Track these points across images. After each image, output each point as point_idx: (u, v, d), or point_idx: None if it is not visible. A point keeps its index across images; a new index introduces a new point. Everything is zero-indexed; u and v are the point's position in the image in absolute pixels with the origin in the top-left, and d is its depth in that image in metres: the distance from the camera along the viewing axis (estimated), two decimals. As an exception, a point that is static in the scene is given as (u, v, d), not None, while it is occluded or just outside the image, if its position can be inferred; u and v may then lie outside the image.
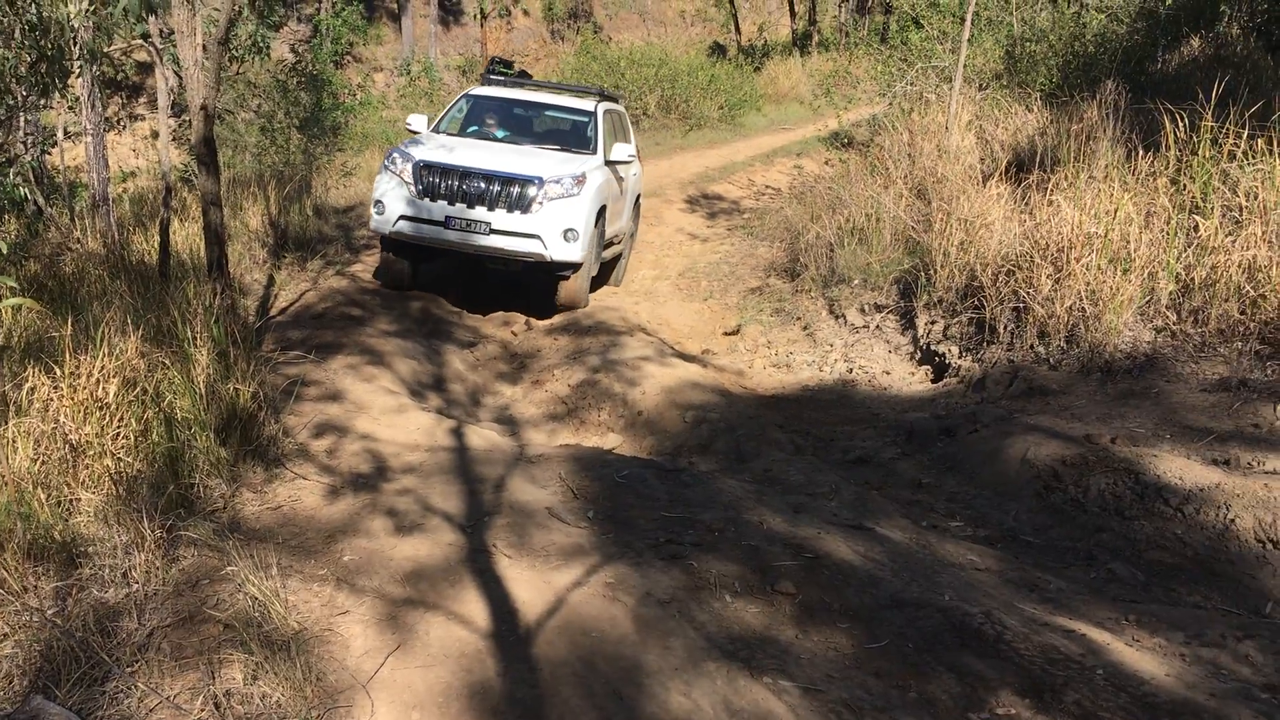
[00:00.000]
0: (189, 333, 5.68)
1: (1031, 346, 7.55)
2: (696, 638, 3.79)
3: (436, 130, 10.88)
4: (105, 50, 9.67)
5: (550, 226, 9.19)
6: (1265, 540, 4.83)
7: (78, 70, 8.59)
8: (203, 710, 3.28)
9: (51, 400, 4.68)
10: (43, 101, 9.25)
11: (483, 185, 9.22)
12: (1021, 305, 7.77)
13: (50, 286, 7.19)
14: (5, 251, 4.21)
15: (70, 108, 11.04)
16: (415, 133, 10.48)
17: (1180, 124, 8.03)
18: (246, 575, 3.88)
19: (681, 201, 15.89)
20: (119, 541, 4.08)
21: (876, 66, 16.36)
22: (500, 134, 10.97)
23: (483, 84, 12.06)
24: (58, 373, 4.78)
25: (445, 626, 3.85)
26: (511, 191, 9.22)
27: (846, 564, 4.47)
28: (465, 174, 9.26)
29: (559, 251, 9.28)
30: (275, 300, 9.56)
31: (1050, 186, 8.48)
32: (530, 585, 4.17)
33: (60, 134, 11.45)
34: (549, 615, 3.93)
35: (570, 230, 9.25)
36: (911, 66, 14.64)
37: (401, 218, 9.32)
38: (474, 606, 4.00)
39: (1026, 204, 8.74)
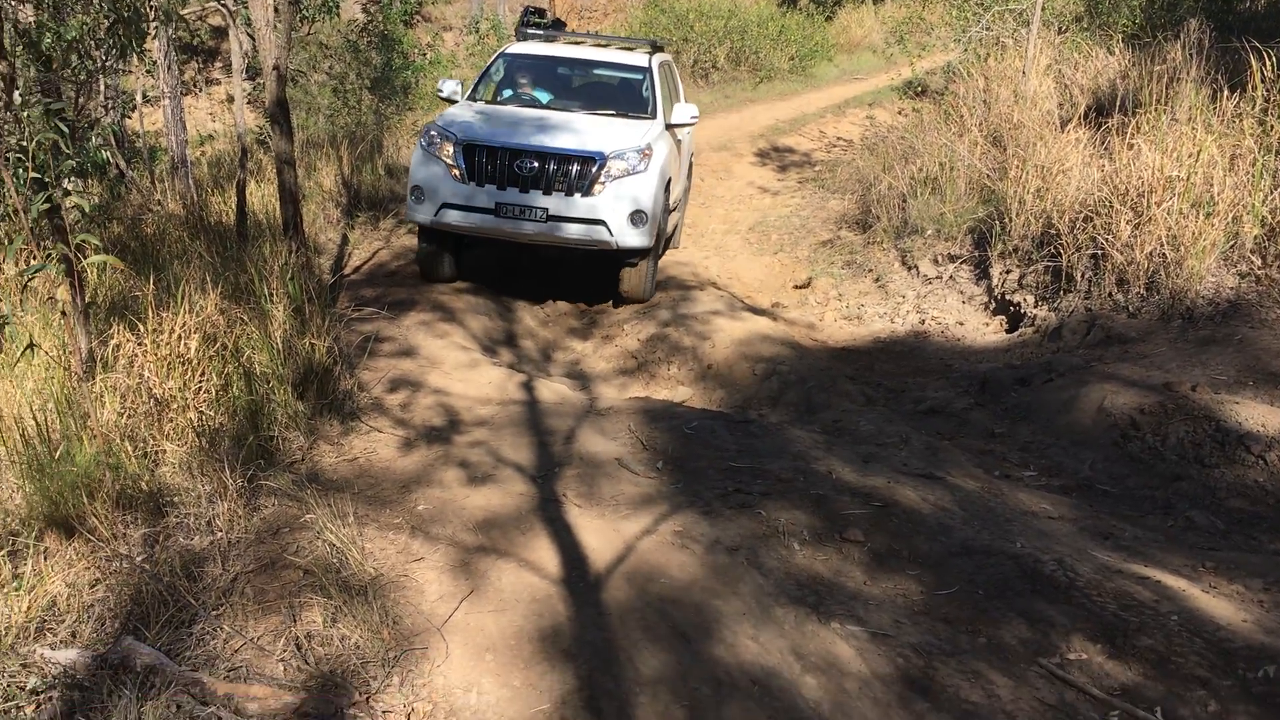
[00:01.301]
0: (266, 290, 5.79)
1: (1110, 294, 7.40)
2: (765, 584, 3.81)
3: (474, 97, 9.62)
4: (180, 12, 9.81)
5: (615, 210, 8.06)
6: (1351, 488, 4.71)
7: (153, 32, 8.74)
8: (285, 651, 3.39)
9: (136, 356, 4.82)
10: (121, 65, 9.45)
11: (536, 165, 8.03)
12: (1100, 252, 7.61)
13: (132, 247, 7.38)
14: (89, 211, 4.32)
15: (148, 72, 11.26)
16: (450, 101, 9.31)
17: (1268, 62, 7.76)
18: (325, 523, 3.99)
19: (751, 155, 15.76)
20: (203, 491, 4.21)
21: (951, 12, 15.99)
22: (544, 97, 9.76)
23: (519, 39, 10.69)
24: (141, 330, 4.91)
25: (516, 573, 3.92)
26: (569, 171, 8.04)
27: (916, 512, 4.45)
28: (516, 153, 8.05)
29: (626, 237, 8.12)
30: (349, 258, 9.71)
31: (1131, 130, 8.26)
32: (599, 533, 4.23)
33: (139, 98, 11.69)
34: (618, 562, 3.98)
35: (638, 213, 8.09)
36: (987, 10, 14.28)
37: (444, 205, 8.15)
38: (544, 554, 4.07)
39: (1106, 149, 8.53)
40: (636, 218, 8.10)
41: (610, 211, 8.05)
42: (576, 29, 21.58)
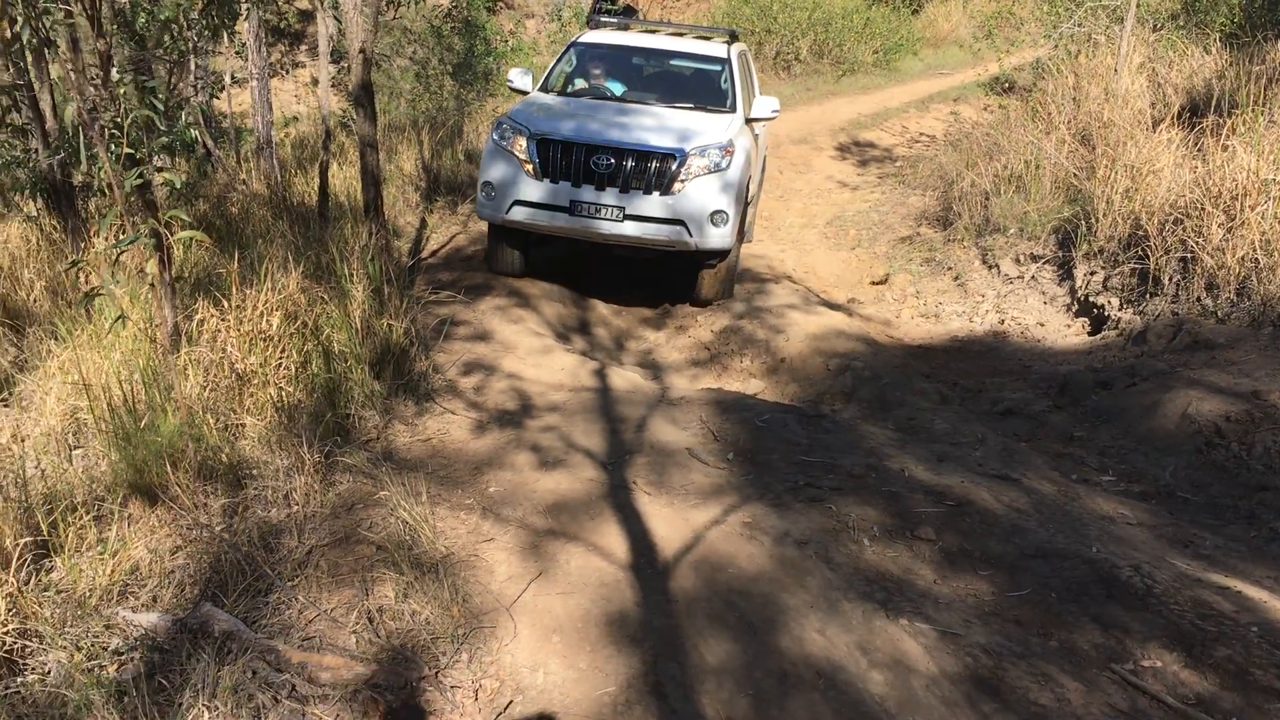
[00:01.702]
0: (346, 270, 5.88)
1: (1198, 299, 7.21)
2: (833, 578, 3.79)
3: (545, 89, 9.22)
4: (271, -4, 9.99)
5: (695, 209, 7.68)
6: None
7: (245, 13, 8.91)
8: (357, 623, 3.45)
9: (219, 331, 4.93)
10: (212, 46, 9.64)
11: (613, 161, 7.62)
12: (1189, 256, 7.42)
13: (217, 225, 7.55)
14: (178, 187, 4.42)
15: (237, 53, 11.47)
16: (521, 92, 8.96)
17: (1373, 63, 7.50)
18: (398, 501, 4.04)
19: (832, 149, 15.62)
20: (281, 465, 4.30)
21: (1042, 7, 15.68)
22: (617, 88, 9.38)
23: (590, 27, 10.37)
24: (225, 305, 5.02)
25: (585, 557, 3.94)
26: (648, 168, 7.63)
27: (990, 512, 4.39)
28: (592, 149, 7.67)
29: (705, 238, 7.74)
30: (427, 242, 9.81)
31: (1226, 131, 8.03)
32: (668, 521, 4.23)
33: (228, 79, 11.92)
34: (686, 550, 3.98)
35: (719, 213, 7.70)
36: (1080, 6, 13.98)
37: (516, 203, 7.79)
38: (613, 539, 4.08)
39: (1199, 150, 8.31)
40: (718, 218, 7.72)
41: (690, 211, 7.67)
42: (658, 18, 21.55)
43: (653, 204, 7.67)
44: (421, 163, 11.85)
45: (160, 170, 4.54)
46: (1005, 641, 3.46)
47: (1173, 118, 9.11)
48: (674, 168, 7.66)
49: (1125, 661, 3.34)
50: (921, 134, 16.42)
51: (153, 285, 4.69)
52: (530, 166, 7.74)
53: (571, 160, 7.68)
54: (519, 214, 7.80)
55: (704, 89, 9.30)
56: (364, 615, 3.51)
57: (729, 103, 9.02)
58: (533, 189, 7.75)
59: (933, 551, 4.09)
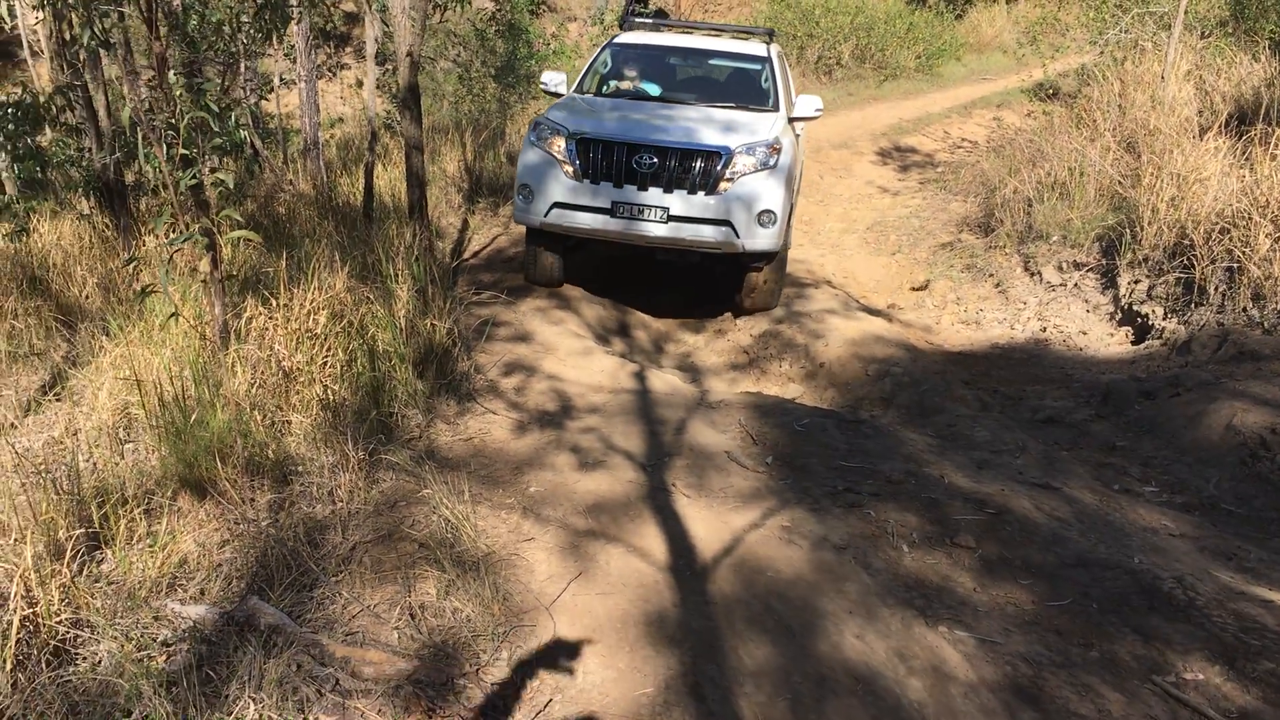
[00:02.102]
0: (391, 270, 5.96)
1: (1244, 309, 7.14)
2: (872, 583, 3.79)
3: (580, 90, 9.02)
4: (320, -1, 10.11)
5: (742, 209, 7.40)
6: None
7: (298, 17, 9.04)
8: (399, 620, 3.50)
9: (267, 329, 5.01)
10: (261, 49, 9.77)
11: (655, 160, 7.37)
12: (1235, 266, 7.34)
13: (265, 224, 7.65)
14: (231, 187, 4.50)
15: (286, 55, 11.61)
16: (555, 95, 8.76)
17: None
18: (441, 499, 4.09)
19: (873, 154, 15.57)
20: (326, 462, 4.36)
21: (1089, 13, 15.53)
22: (654, 89, 9.14)
23: (625, 29, 10.16)
24: (273, 304, 5.10)
25: (624, 558, 3.97)
26: (692, 168, 7.38)
27: (1030, 521, 4.37)
28: (634, 148, 7.42)
29: (753, 239, 7.46)
30: (469, 243, 9.90)
31: (1275, 140, 7.94)
32: (707, 524, 4.25)
33: (276, 81, 12.06)
34: (725, 553, 4.00)
35: (767, 213, 7.41)
36: (1127, 12, 13.85)
37: (555, 205, 7.54)
38: (652, 541, 4.11)
39: (1247, 159, 8.22)
40: (765, 218, 7.43)
41: (737, 211, 7.39)
42: (699, 19, 21.55)
43: (698, 204, 7.41)
44: (464, 164, 11.95)
45: (213, 171, 4.62)
46: (1045, 651, 3.45)
47: (1220, 126, 9.02)
48: (719, 166, 7.40)
49: (1167, 673, 3.33)
50: (964, 140, 16.33)
51: (204, 283, 4.77)
52: (569, 168, 7.49)
53: (612, 160, 7.43)
54: (557, 217, 7.56)
55: (744, 88, 9.09)
56: (406, 611, 3.56)
57: (770, 101, 8.83)
58: (572, 190, 7.50)
59: (972, 559, 4.08)
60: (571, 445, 5.12)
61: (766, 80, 9.08)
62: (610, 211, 7.43)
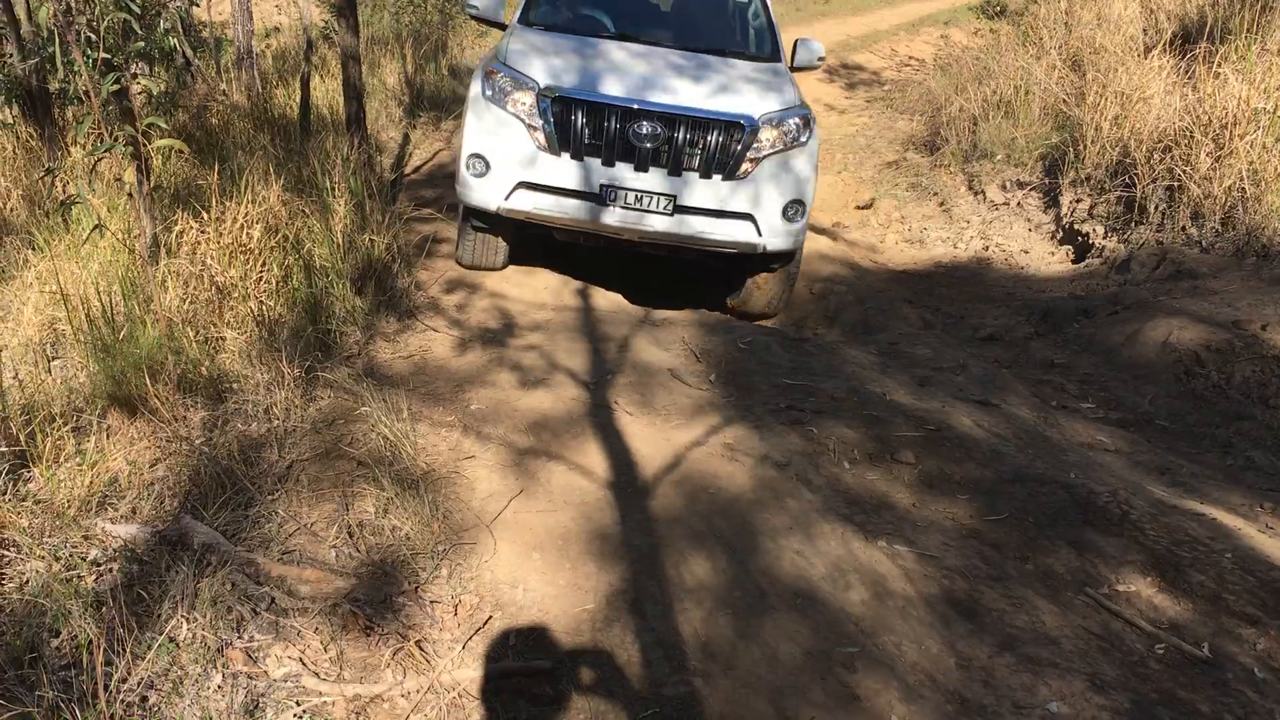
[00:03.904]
0: (328, 184, 5.81)
1: (1183, 228, 7.20)
2: (813, 500, 3.81)
3: (527, 21, 6.89)
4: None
5: (768, 199, 5.85)
6: None
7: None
8: (337, 538, 3.45)
9: (199, 243, 4.87)
10: (191, -48, 9.39)
11: (661, 132, 5.66)
12: (1176, 184, 7.39)
13: (197, 136, 7.41)
14: (156, 95, 4.33)
15: (217, -40, 11.18)
16: (492, 23, 6.89)
17: (1369, -8, 7.42)
18: (380, 417, 4.03)
19: (819, 71, 15.42)
20: (261, 379, 4.27)
21: (1036, -71, 15.41)
22: (611, 24, 7.09)
23: None
24: (205, 217, 4.95)
25: (566, 475, 3.95)
26: (708, 142, 5.72)
27: (970, 437, 4.41)
28: (632, 113, 5.67)
29: (776, 238, 5.95)
30: (410, 158, 9.69)
31: (1218, 59, 7.95)
32: (650, 441, 4.24)
33: (207, -12, 11.63)
34: (667, 470, 3.99)
35: (796, 204, 5.96)
36: (1074, -71, 13.75)
37: (521, 186, 5.78)
38: (594, 458, 4.09)
39: (1190, 78, 8.23)
40: (793, 210, 5.97)
41: (762, 202, 5.87)
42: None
43: (713, 192, 5.80)
44: (405, 77, 11.66)
45: (137, 77, 4.44)
46: (982, 564, 3.49)
47: (1165, 44, 9.03)
48: (741, 142, 5.77)
49: (1100, 586, 3.38)
50: (911, 58, 16.24)
51: (130, 195, 4.60)
52: (542, 135, 5.73)
53: (603, 128, 5.69)
54: (524, 201, 5.82)
55: (729, 28, 7.41)
56: (344, 530, 3.51)
57: (768, 47, 7.14)
58: (547, 168, 5.75)
59: (912, 475, 4.11)
60: (514, 363, 5.07)
61: (757, 16, 7.42)
62: (598, 198, 5.75)
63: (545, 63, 5.93)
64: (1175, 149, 7.49)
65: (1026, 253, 8.30)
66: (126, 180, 4.47)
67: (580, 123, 5.69)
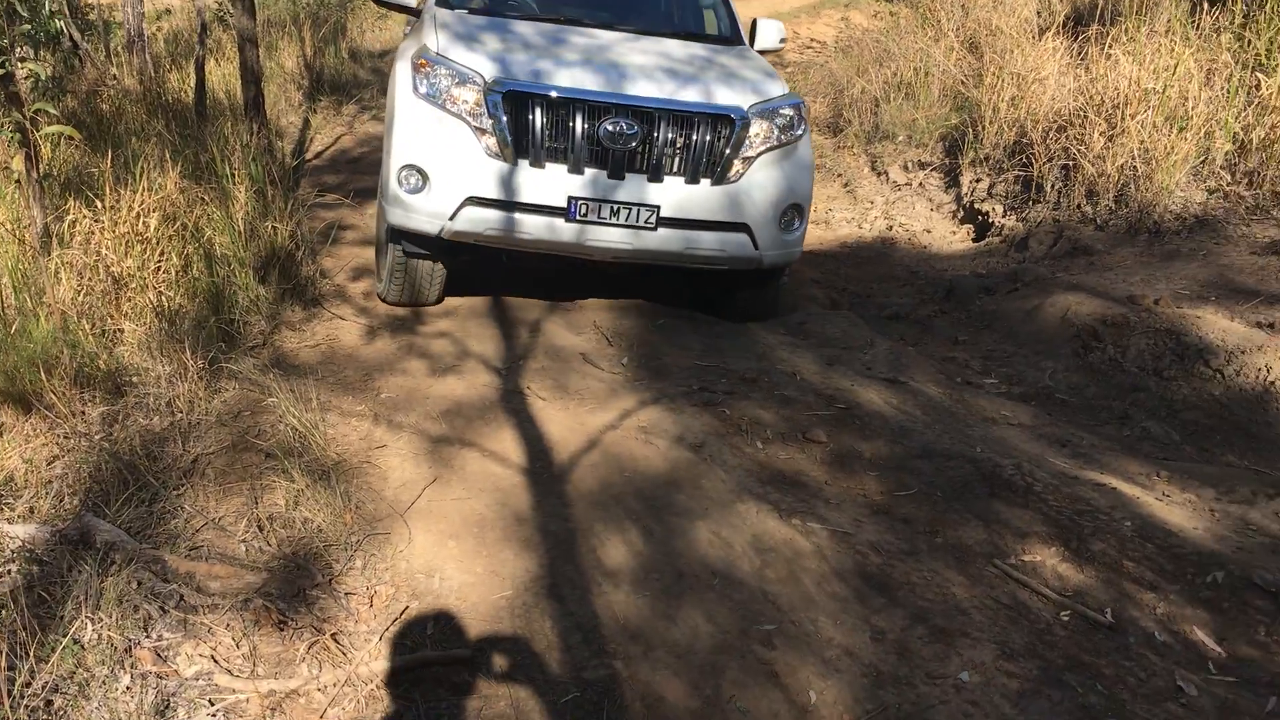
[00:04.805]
0: (228, 170, 5.66)
1: (1078, 206, 7.40)
2: (727, 480, 3.84)
3: (448, 4, 5.88)
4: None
5: (764, 205, 5.17)
6: (1304, 404, 4.80)
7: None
8: (246, 532, 3.38)
9: (93, 233, 4.71)
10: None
11: (638, 130, 4.92)
12: (1071, 164, 7.59)
13: (88, 122, 7.16)
14: (44, 80, 4.17)
15: (103, -60, 10.82)
16: (395, 7, 6.01)
17: (1249, -24, 7.69)
18: (288, 407, 3.95)
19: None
20: (162, 372, 4.15)
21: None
22: (544, 5, 6.24)
23: None
24: (98, 206, 4.79)
25: (481, 462, 3.92)
26: (693, 142, 5.01)
27: (879, 415, 4.48)
28: (602, 109, 4.92)
29: (775, 249, 5.30)
30: (311, 143, 9.51)
31: (1109, 41, 8.18)
32: (564, 425, 4.23)
33: (94, -32, 11.24)
34: (582, 454, 3.99)
35: (794, 209, 5.31)
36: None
37: (470, 202, 4.91)
38: (509, 444, 4.07)
39: (1083, 59, 8.45)
40: (793, 215, 5.34)
41: (758, 209, 5.17)
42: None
43: (702, 199, 5.06)
44: (304, 61, 11.43)
45: (23, 61, 4.27)
46: (894, 539, 3.56)
47: (1058, 26, 9.23)
48: (730, 139, 5.08)
49: (1008, 557, 3.47)
50: (813, 40, 16.39)
51: (19, 183, 4.44)
52: (492, 140, 4.91)
53: (569, 129, 4.91)
54: (474, 221, 4.96)
55: (684, 7, 6.71)
56: (254, 523, 3.45)
57: (729, 29, 6.39)
58: (500, 179, 4.90)
59: (824, 453, 4.17)
60: (424, 350, 5.01)
61: None
62: (565, 213, 4.95)
63: (487, 52, 5.11)
64: (1070, 129, 7.69)
65: (929, 232, 8.46)
66: (14, 168, 4.31)
67: (539, 123, 4.88)
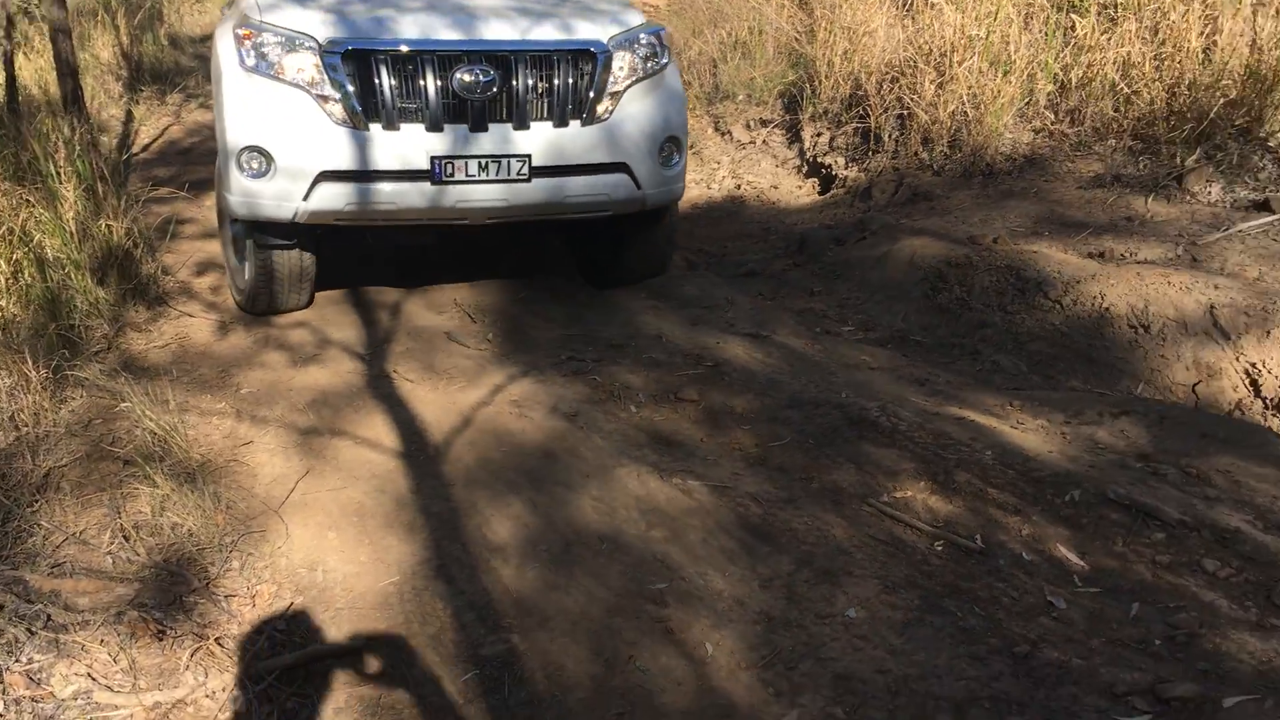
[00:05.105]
0: (52, 169, 5.37)
1: (916, 154, 7.63)
2: (605, 445, 3.85)
3: None
4: None
5: (639, 140, 4.94)
6: (1137, 326, 5.06)
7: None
8: (112, 543, 3.25)
9: (-92, 243, 4.42)
10: None
11: (494, 76, 4.59)
12: (906, 113, 7.81)
13: (-112, 127, 6.70)
14: None
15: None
16: None
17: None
18: (143, 411, 3.79)
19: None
20: (2, 385, 3.93)
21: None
22: None
23: None
24: (-89, 214, 4.50)
25: (354, 450, 3.85)
26: (555, 82, 4.73)
27: (746, 369, 4.56)
28: (451, 59, 4.56)
29: (658, 185, 5.07)
30: (136, 136, 9.10)
31: (932, -10, 8.43)
32: (436, 406, 4.17)
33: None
34: (457, 433, 3.95)
35: (672, 142, 5.10)
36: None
37: (324, 177, 4.52)
38: (381, 429, 4.00)
39: (908, 10, 8.69)
40: (672, 149, 5.11)
41: (635, 144, 4.93)
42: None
43: (574, 141, 4.80)
44: (120, 50, 10.90)
45: None
46: (772, 489, 3.63)
47: (884, -21, 9.46)
48: (594, 75, 4.81)
49: (881, 495, 3.58)
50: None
51: None
52: (339, 107, 4.51)
53: (421, 85, 4.55)
54: (332, 198, 4.56)
55: None
56: (118, 534, 3.31)
57: None
58: (354, 148, 4.52)
59: (697, 411, 4.22)
60: (281, 341, 4.88)
61: None
62: (430, 175, 4.59)
63: (313, 11, 4.68)
64: (902, 79, 7.90)
65: (776, 188, 8.60)
66: None
67: (387, 81, 4.51)
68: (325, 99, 4.50)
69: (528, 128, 4.69)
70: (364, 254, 5.95)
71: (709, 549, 3.26)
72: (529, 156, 4.67)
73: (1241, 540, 3.24)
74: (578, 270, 6.11)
